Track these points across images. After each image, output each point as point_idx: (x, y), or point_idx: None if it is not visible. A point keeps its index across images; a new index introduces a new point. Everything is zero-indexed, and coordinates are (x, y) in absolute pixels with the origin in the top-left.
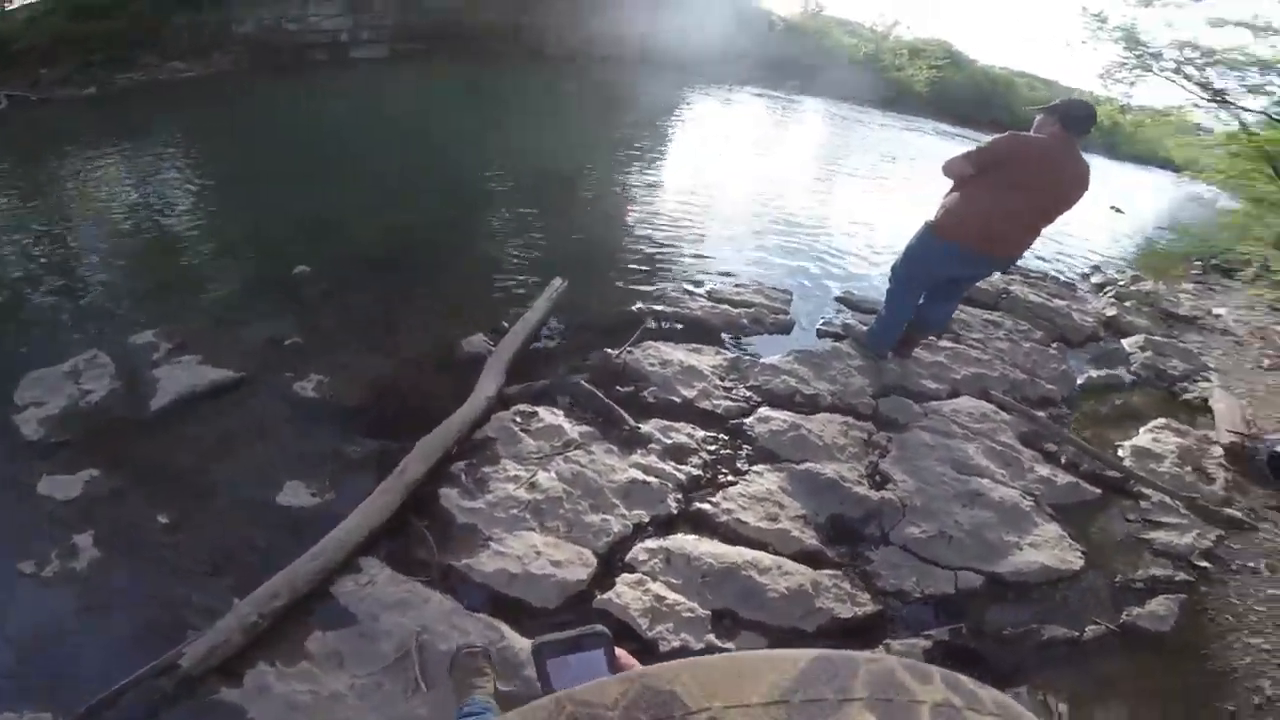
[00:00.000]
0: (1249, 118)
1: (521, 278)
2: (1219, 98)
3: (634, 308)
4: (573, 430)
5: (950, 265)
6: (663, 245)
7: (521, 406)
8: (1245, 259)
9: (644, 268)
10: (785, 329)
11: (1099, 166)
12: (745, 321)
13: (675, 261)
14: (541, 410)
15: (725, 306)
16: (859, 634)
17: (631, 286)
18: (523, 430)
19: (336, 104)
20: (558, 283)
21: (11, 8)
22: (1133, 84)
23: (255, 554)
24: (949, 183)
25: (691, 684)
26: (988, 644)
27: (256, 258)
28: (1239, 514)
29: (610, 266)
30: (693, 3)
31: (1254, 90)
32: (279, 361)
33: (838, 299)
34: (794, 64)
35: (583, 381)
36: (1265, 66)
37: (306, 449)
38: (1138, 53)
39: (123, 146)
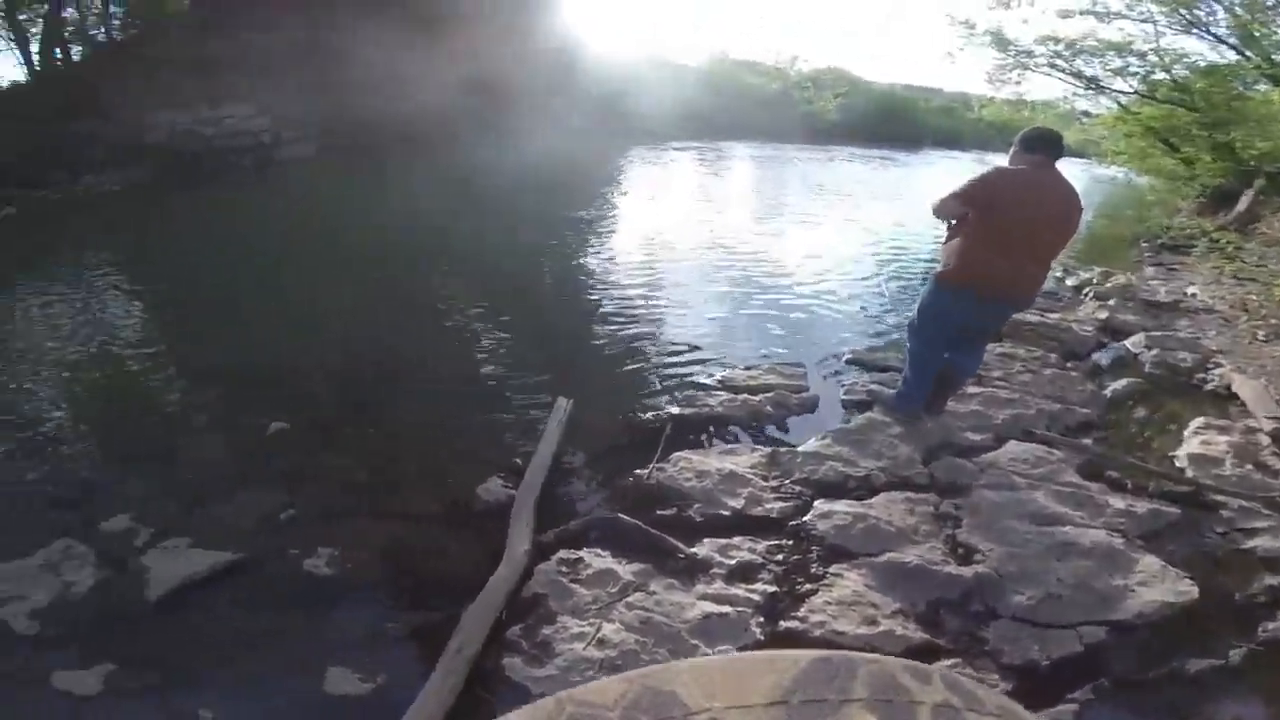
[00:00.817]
0: (1123, 99)
1: (518, 400)
2: (1093, 85)
3: (649, 415)
4: (625, 571)
5: (966, 314)
6: (650, 334)
7: (563, 554)
8: (1187, 234)
9: (640, 364)
10: (811, 407)
11: None
12: (770, 408)
13: (669, 351)
14: (585, 554)
15: (745, 395)
16: None
17: (637, 390)
18: (572, 581)
19: (268, 212)
20: (563, 404)
21: None
22: (1019, 83)
23: None
24: (885, 211)
25: (692, 684)
26: (1135, 693)
27: (222, 416)
28: None
29: (605, 370)
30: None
31: (1119, 73)
32: (278, 538)
33: (849, 361)
34: (712, 112)
35: (622, 515)
36: (1119, 49)
37: (338, 632)
38: (1011, 53)
39: (55, 288)
